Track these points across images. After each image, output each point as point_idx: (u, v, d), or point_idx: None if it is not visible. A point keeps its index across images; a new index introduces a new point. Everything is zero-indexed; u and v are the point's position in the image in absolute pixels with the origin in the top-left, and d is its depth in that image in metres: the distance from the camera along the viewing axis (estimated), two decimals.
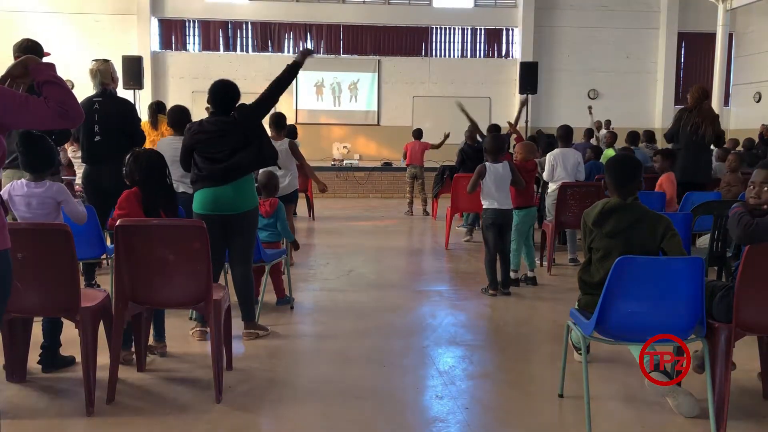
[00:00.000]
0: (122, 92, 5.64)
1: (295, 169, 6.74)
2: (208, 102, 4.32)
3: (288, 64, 4.46)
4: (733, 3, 16.30)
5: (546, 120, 17.21)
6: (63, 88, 2.36)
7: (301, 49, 4.60)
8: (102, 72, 5.26)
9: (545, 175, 6.88)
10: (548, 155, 6.89)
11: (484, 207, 5.73)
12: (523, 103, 9.11)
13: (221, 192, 4.20)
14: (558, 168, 6.70)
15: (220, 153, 4.19)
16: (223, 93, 4.27)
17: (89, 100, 5.25)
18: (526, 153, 6.38)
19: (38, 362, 3.76)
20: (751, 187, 3.25)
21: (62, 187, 3.76)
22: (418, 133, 11.12)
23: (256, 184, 4.94)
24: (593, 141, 10.79)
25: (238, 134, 4.19)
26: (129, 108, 5.42)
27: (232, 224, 4.23)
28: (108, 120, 5.20)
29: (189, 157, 4.31)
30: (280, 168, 6.52)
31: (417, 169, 10.90)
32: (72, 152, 7.22)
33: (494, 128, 9.10)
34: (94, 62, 5.40)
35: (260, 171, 5.31)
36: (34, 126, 2.73)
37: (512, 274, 5.93)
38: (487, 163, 5.70)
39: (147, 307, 3.63)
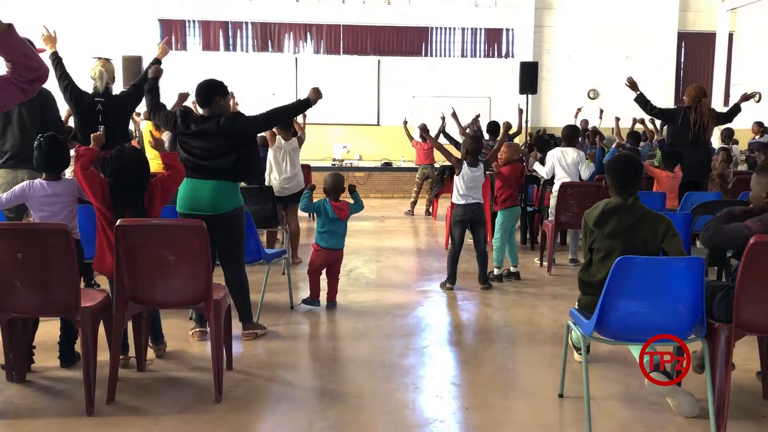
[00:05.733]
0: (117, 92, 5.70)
1: (301, 170, 6.79)
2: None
3: (299, 99, 4.52)
4: (733, 3, 16.29)
5: (546, 120, 17.19)
6: (23, 48, 2.32)
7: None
8: (108, 72, 5.34)
9: (544, 173, 6.90)
10: (549, 153, 6.91)
11: (454, 203, 5.95)
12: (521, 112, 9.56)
13: (198, 190, 4.20)
14: (557, 167, 6.72)
15: (197, 150, 4.23)
16: (201, 90, 4.33)
17: (91, 100, 5.28)
18: (511, 154, 6.48)
19: (59, 357, 3.82)
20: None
21: (76, 182, 3.77)
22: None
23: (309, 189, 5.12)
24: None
25: (217, 138, 4.21)
26: (129, 101, 5.48)
27: (214, 225, 4.10)
28: (111, 119, 5.29)
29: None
30: (287, 170, 6.58)
31: (429, 169, 10.88)
32: None
33: (493, 125, 9.12)
34: (96, 60, 5.41)
35: (328, 174, 5.25)
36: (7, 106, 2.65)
37: (495, 270, 6.22)
38: (464, 164, 5.85)
39: (147, 307, 3.63)
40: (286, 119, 4.51)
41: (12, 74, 2.43)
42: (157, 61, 5.27)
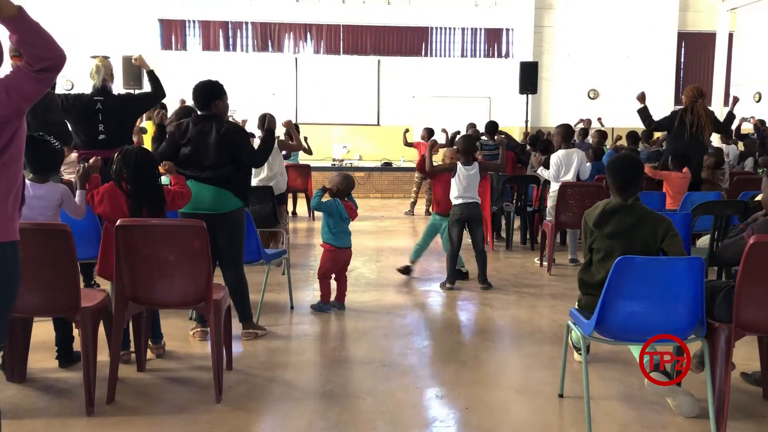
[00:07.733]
0: (121, 92, 5.71)
1: (284, 170, 6.75)
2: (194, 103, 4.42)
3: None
4: (733, 3, 16.28)
5: (546, 120, 17.19)
6: (31, 36, 2.16)
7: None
8: (105, 69, 5.33)
9: (551, 176, 6.84)
10: (552, 156, 6.86)
11: (452, 203, 5.94)
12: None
13: (202, 190, 4.21)
14: (563, 169, 6.69)
15: (208, 158, 4.23)
16: (199, 94, 4.31)
17: (90, 99, 5.27)
18: (451, 155, 6.39)
19: (56, 358, 3.81)
20: None
21: (66, 189, 3.76)
22: (428, 133, 10.86)
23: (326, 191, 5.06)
24: (588, 140, 10.73)
25: (221, 148, 4.22)
26: (132, 104, 5.49)
27: (216, 225, 4.16)
28: (111, 118, 5.29)
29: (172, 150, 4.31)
30: (264, 171, 6.52)
31: None
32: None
33: (492, 125, 9.10)
34: (93, 58, 5.41)
35: (337, 174, 5.16)
36: (31, 99, 2.34)
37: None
38: (458, 164, 5.88)
39: (147, 307, 3.63)
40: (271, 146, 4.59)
41: (25, 62, 2.24)
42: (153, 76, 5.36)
